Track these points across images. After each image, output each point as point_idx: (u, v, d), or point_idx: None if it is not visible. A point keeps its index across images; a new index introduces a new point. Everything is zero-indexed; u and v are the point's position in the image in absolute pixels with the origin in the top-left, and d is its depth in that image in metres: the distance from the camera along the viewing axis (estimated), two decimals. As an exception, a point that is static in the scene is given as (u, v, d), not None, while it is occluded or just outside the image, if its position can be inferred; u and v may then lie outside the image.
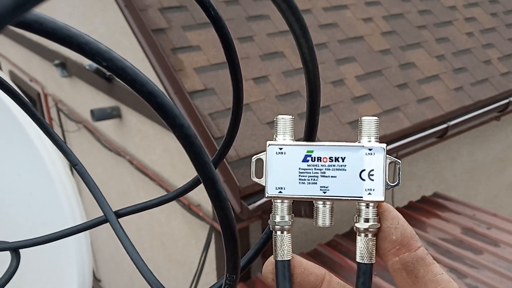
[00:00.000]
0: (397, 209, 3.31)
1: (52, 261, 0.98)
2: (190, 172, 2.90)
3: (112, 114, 3.61)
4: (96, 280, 5.68)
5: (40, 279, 1.00)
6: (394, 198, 3.60)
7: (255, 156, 0.38)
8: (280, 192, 0.37)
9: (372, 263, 0.35)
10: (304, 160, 0.37)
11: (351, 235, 2.95)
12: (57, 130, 5.07)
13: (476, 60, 3.67)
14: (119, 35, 3.16)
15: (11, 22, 0.16)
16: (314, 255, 2.83)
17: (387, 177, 0.36)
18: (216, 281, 0.38)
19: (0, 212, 1.01)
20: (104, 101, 3.77)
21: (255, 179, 0.38)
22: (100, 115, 3.58)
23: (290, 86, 2.80)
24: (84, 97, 4.19)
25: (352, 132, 2.75)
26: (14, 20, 0.16)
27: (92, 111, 3.57)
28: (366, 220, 0.36)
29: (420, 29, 3.62)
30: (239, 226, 2.75)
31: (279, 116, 0.38)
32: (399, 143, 2.95)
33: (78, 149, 4.73)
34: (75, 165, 0.52)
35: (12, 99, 0.50)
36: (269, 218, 0.38)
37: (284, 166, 0.37)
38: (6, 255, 0.54)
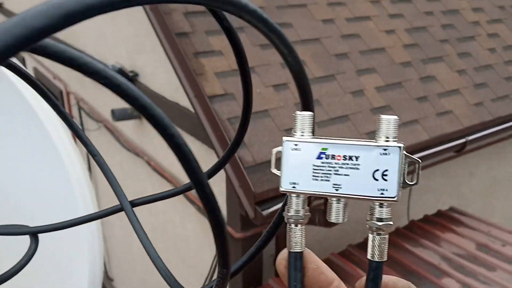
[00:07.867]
0: (412, 222, 3.30)
1: (64, 249, 0.99)
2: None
3: (132, 114, 3.66)
4: (109, 279, 5.73)
5: (52, 267, 1.01)
6: (410, 211, 3.58)
7: (275, 148, 0.38)
8: (294, 187, 0.37)
9: (383, 261, 0.35)
10: (319, 157, 0.36)
11: (365, 246, 2.93)
12: (77, 128, 5.12)
13: (498, 76, 3.64)
14: (143, 37, 3.21)
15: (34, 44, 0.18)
16: (326, 264, 2.82)
17: (405, 176, 0.36)
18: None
19: (12, 193, 1.02)
20: (125, 102, 3.81)
21: (275, 171, 0.38)
22: (120, 115, 3.63)
23: (309, 95, 2.80)
24: (105, 97, 4.24)
25: (369, 142, 2.74)
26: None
27: (112, 111, 3.61)
28: (379, 220, 0.35)
29: (442, 43, 3.61)
30: (252, 232, 2.76)
31: (298, 112, 0.38)
32: (417, 156, 2.93)
33: (97, 148, 4.76)
34: (94, 155, 0.55)
35: (42, 97, 0.52)
36: (283, 211, 0.38)
37: (298, 162, 0.37)
38: (15, 239, 0.56)
